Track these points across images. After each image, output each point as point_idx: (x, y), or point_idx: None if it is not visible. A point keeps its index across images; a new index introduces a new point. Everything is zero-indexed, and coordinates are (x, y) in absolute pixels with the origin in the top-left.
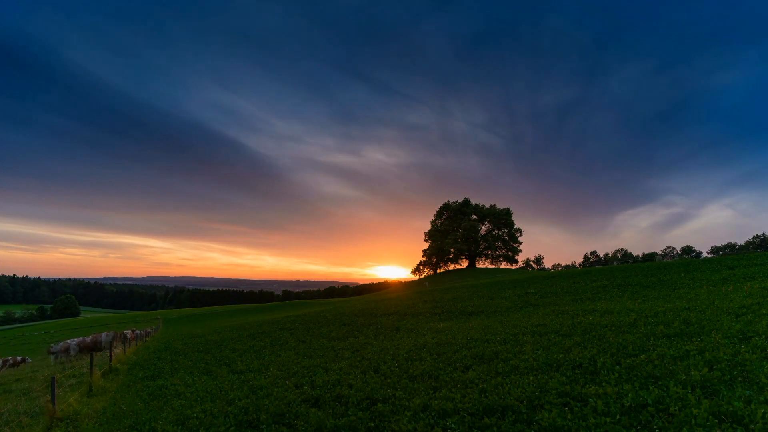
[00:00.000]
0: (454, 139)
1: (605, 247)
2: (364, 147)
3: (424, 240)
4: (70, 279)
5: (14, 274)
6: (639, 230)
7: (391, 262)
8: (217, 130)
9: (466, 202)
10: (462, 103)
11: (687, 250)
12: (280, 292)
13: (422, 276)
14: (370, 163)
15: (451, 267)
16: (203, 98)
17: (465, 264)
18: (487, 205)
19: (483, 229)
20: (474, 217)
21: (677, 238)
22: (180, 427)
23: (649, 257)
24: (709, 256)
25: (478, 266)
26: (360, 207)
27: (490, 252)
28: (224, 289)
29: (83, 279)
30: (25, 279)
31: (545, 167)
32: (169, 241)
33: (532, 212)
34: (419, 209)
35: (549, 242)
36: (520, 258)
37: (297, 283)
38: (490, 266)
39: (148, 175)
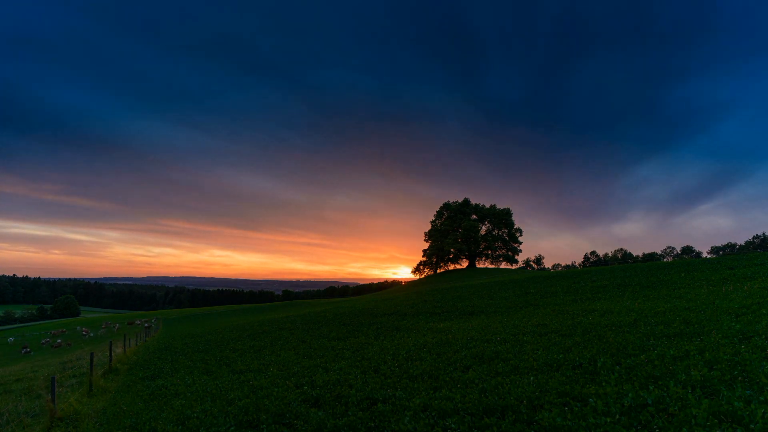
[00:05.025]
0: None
1: (608, 236)
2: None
3: (424, 240)
4: (70, 279)
5: (14, 274)
6: (654, 206)
7: (383, 262)
8: None
9: (466, 202)
10: None
11: (687, 250)
12: (280, 292)
13: (422, 276)
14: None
15: (451, 267)
16: None
17: (465, 264)
18: (487, 205)
19: (483, 229)
20: (474, 217)
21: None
22: (180, 427)
23: (649, 257)
24: (709, 256)
25: (478, 266)
26: (237, 169)
27: (490, 252)
28: (224, 289)
29: (83, 279)
30: (25, 279)
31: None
32: (84, 232)
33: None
34: (328, 176)
35: (535, 225)
36: (520, 258)
37: (297, 283)
38: (490, 266)
39: None
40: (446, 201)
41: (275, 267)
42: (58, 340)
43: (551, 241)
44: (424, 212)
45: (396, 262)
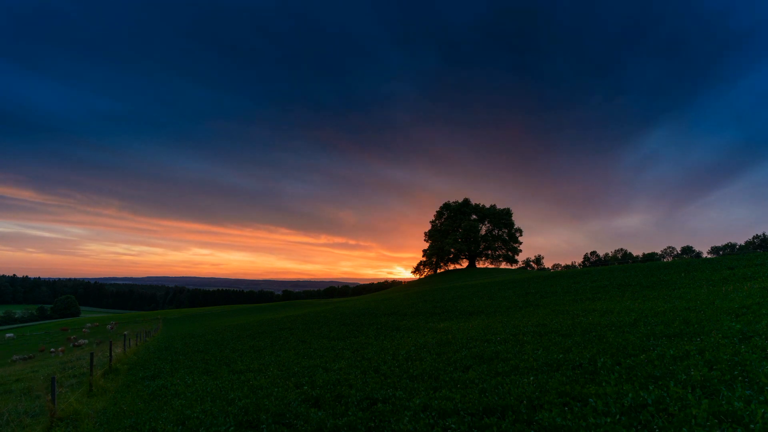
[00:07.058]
0: None
1: (609, 232)
2: None
3: (425, 240)
4: (70, 279)
5: (14, 274)
6: (662, 192)
7: (374, 261)
8: None
9: (466, 202)
10: None
11: (687, 249)
12: (280, 292)
13: (422, 276)
14: None
15: (451, 267)
16: None
17: (465, 264)
18: (487, 205)
19: (483, 229)
20: (474, 217)
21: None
22: (180, 427)
23: (649, 257)
24: (709, 256)
25: (478, 266)
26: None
27: (490, 252)
28: (224, 289)
29: (83, 279)
30: (25, 279)
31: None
32: (46, 228)
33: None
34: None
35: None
36: (520, 258)
37: (297, 283)
38: (490, 266)
39: None
40: (446, 201)
41: (266, 266)
42: (62, 347)
43: (547, 238)
44: (395, 200)
45: (387, 261)
